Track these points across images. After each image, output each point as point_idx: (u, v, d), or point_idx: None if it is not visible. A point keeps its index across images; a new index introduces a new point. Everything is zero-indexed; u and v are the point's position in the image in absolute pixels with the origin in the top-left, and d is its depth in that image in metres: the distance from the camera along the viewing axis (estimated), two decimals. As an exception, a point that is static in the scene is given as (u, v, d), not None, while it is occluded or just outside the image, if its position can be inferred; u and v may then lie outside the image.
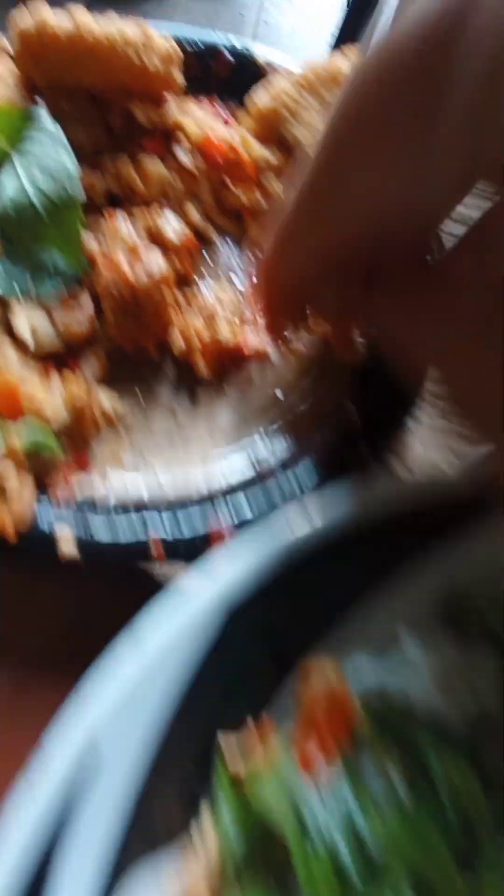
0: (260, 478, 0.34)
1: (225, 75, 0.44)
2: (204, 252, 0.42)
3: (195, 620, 0.25)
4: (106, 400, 0.36)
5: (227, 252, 0.43)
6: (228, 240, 0.43)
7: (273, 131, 0.41)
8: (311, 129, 0.40)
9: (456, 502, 0.28)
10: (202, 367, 0.37)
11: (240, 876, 0.22)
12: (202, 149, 0.40)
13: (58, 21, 0.36)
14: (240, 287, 0.41)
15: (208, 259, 0.42)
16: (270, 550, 0.27)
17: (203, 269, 0.42)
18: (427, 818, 0.21)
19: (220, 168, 0.40)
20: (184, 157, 0.40)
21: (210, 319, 0.38)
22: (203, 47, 0.43)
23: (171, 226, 0.38)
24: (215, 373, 0.38)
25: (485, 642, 0.26)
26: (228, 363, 0.38)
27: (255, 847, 0.22)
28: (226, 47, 0.44)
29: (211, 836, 0.23)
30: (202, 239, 0.42)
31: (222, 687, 0.25)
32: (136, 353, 0.38)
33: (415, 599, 0.28)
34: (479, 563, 0.28)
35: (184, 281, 0.40)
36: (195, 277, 0.41)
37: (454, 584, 0.28)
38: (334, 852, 0.20)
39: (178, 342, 0.37)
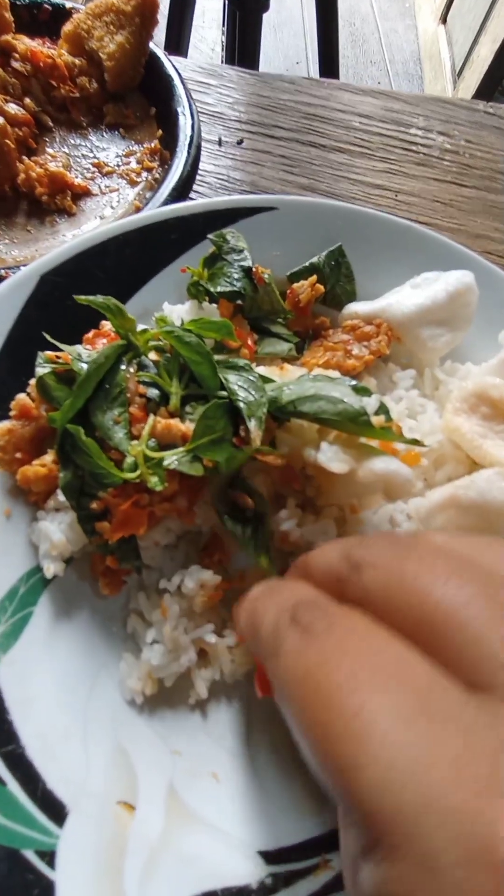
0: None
1: (46, 18, 0.65)
2: (46, 140, 0.62)
3: (15, 281, 0.44)
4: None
5: (59, 134, 0.63)
6: (61, 127, 0.63)
7: (79, 46, 0.62)
8: (99, 42, 0.61)
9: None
10: (41, 191, 0.57)
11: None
12: (30, 58, 0.60)
13: None
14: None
15: (47, 140, 0.62)
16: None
17: (45, 143, 0.61)
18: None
19: (43, 71, 0.60)
20: (17, 64, 0.60)
21: (45, 166, 0.58)
22: (29, 2, 0.64)
23: (13, 107, 0.58)
24: (51, 197, 0.57)
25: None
26: (58, 190, 0.58)
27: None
28: (45, 1, 0.65)
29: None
30: (40, 124, 0.62)
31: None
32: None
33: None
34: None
35: (29, 149, 0.60)
36: (36, 146, 0.61)
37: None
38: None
39: (22, 177, 0.57)
